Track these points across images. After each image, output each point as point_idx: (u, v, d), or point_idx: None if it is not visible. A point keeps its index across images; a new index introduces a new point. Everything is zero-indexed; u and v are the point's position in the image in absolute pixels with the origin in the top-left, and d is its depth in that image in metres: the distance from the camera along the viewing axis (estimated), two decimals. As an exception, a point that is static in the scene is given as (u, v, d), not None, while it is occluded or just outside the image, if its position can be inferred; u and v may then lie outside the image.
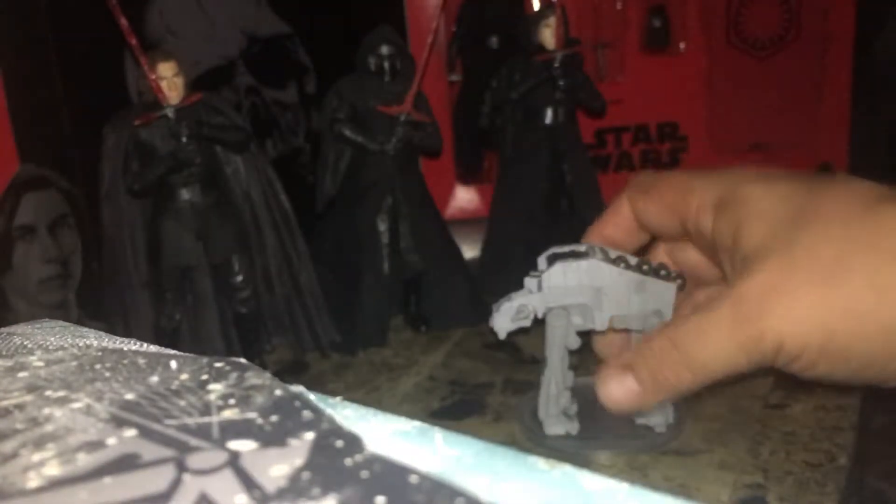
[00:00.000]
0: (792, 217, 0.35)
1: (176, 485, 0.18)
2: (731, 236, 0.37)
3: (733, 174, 0.39)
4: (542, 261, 0.43)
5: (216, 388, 0.23)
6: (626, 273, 0.41)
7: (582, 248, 0.43)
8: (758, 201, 0.36)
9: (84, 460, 0.19)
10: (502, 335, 0.42)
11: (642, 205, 0.43)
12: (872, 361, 0.32)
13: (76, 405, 0.22)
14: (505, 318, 0.42)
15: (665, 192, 0.41)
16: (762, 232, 0.35)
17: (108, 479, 0.18)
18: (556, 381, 0.42)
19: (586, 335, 0.43)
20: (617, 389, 0.37)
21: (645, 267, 0.42)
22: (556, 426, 0.42)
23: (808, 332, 0.32)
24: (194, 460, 0.19)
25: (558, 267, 0.41)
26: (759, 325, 0.33)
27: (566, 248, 0.43)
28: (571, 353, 0.43)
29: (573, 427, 0.42)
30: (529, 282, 0.43)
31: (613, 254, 0.42)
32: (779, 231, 0.35)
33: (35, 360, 0.26)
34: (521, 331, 0.46)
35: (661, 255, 0.45)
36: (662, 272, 0.42)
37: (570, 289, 0.42)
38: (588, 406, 0.42)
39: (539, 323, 0.43)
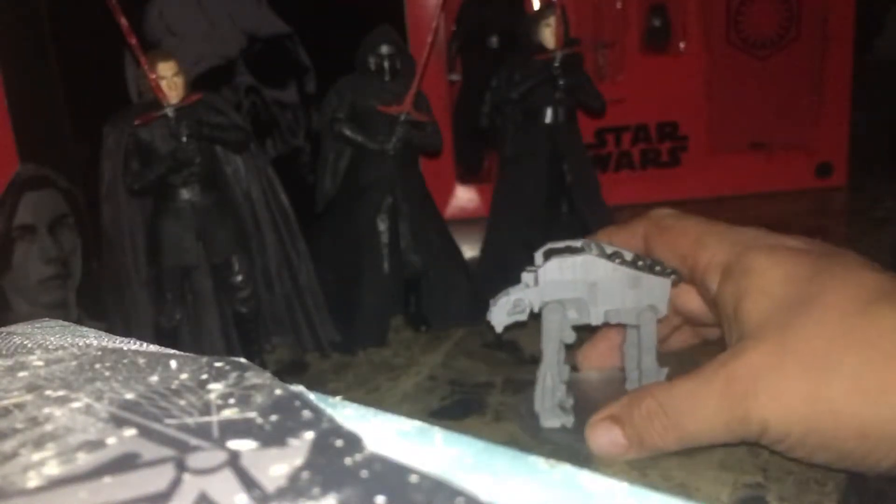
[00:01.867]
0: (792, 300, 0.36)
1: (176, 484, 0.18)
2: (733, 306, 0.38)
3: (746, 237, 0.40)
4: (538, 256, 0.44)
5: (216, 387, 0.23)
6: (621, 269, 0.42)
7: (578, 243, 0.43)
8: (762, 275, 0.37)
9: (84, 460, 0.19)
10: (499, 329, 0.43)
11: (654, 243, 0.44)
12: (848, 456, 0.33)
13: (76, 405, 0.22)
14: (501, 312, 0.43)
15: (679, 240, 0.43)
16: (762, 309, 0.36)
17: (107, 479, 0.18)
18: (551, 374, 0.43)
19: (582, 329, 0.44)
20: (604, 438, 0.39)
21: (640, 263, 0.43)
22: (551, 419, 0.43)
23: (790, 422, 0.34)
24: (194, 460, 0.19)
25: (554, 262, 0.42)
26: (746, 406, 0.35)
27: (562, 244, 0.44)
28: (567, 347, 0.43)
29: (569, 420, 0.43)
30: (526, 276, 0.43)
31: (609, 249, 0.43)
32: (778, 313, 0.36)
33: (35, 360, 0.26)
34: (521, 329, 0.47)
35: None
36: (657, 268, 0.43)
37: (565, 283, 0.42)
38: (583, 400, 0.44)
39: (537, 320, 0.43)
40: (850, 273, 0.36)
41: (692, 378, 0.37)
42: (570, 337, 0.43)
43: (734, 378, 0.35)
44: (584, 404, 0.43)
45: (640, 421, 0.38)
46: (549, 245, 0.44)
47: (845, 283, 0.35)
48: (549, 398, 0.43)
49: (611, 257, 0.42)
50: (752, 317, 0.37)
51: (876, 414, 0.32)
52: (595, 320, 0.43)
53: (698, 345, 0.49)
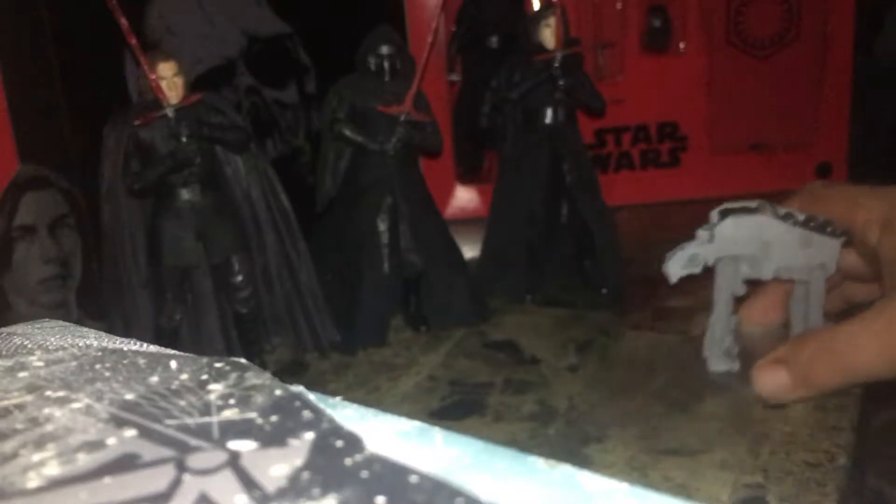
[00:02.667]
0: None
1: (176, 485, 0.18)
2: (893, 255, 0.41)
3: None
4: (714, 214, 0.48)
5: (216, 388, 0.23)
6: (794, 229, 0.46)
7: (753, 204, 0.48)
8: None
9: (84, 460, 0.19)
10: (673, 280, 0.48)
11: (811, 211, 0.47)
12: None
13: (76, 405, 0.22)
14: (677, 265, 0.47)
15: (833, 203, 0.46)
16: None
17: (108, 479, 0.18)
18: (720, 325, 0.47)
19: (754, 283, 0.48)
20: (770, 379, 0.42)
21: (812, 223, 0.47)
22: (719, 364, 0.47)
23: None
24: (194, 460, 0.19)
25: (730, 220, 0.47)
26: None
27: (737, 204, 0.48)
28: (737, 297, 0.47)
29: (735, 365, 0.47)
30: (701, 233, 0.47)
31: (781, 211, 0.47)
32: None
33: (35, 360, 0.26)
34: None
35: None
36: (829, 229, 0.47)
37: (740, 240, 0.47)
38: (747, 351, 0.48)
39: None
40: None
41: (855, 322, 0.39)
42: (741, 290, 0.47)
43: (893, 320, 0.38)
44: (748, 355, 0.47)
45: (807, 361, 0.40)
46: (725, 205, 0.48)
47: None
48: (718, 346, 0.47)
49: (784, 218, 0.46)
50: None
51: None
52: (766, 276, 0.47)
53: (847, 309, 0.50)
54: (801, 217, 0.46)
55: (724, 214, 0.47)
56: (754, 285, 0.50)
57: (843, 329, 0.40)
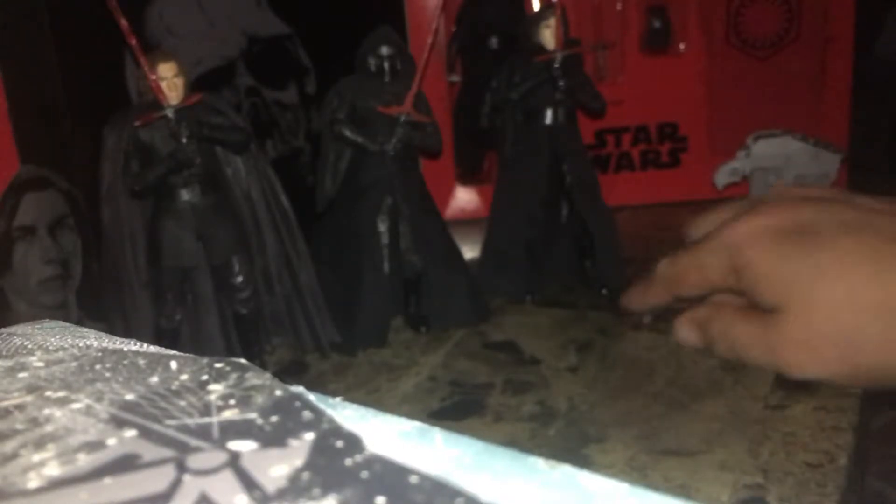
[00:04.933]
0: (800, 277, 0.42)
1: (176, 485, 0.18)
2: (751, 295, 0.46)
3: (740, 237, 0.46)
4: (749, 139, 0.71)
5: (216, 388, 0.23)
6: (808, 146, 0.66)
7: (777, 131, 0.71)
8: (761, 268, 0.44)
9: (84, 461, 0.19)
10: (720, 187, 0.73)
11: (680, 294, 0.51)
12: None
13: (76, 406, 0.22)
14: (723, 177, 0.73)
15: (683, 287, 0.51)
16: (779, 293, 0.43)
17: (108, 480, 0.18)
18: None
19: None
20: (688, 336, 0.50)
21: (820, 143, 0.69)
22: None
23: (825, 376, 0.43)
24: (194, 461, 0.19)
25: (762, 141, 0.69)
26: (787, 368, 0.44)
27: (766, 132, 0.72)
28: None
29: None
30: (740, 153, 0.73)
31: (798, 135, 0.68)
32: (795, 294, 0.43)
33: (35, 361, 0.26)
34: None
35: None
36: (831, 147, 0.70)
37: (769, 155, 0.70)
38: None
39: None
40: (838, 244, 0.42)
41: (752, 322, 0.45)
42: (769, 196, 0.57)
43: (776, 347, 0.43)
44: None
45: (713, 336, 0.48)
46: (757, 133, 0.72)
47: (834, 253, 0.42)
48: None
49: (801, 139, 0.67)
50: (775, 299, 0.44)
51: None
52: (787, 182, 0.65)
53: None
54: (811, 139, 0.67)
55: (757, 138, 0.69)
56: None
57: (743, 327, 0.46)
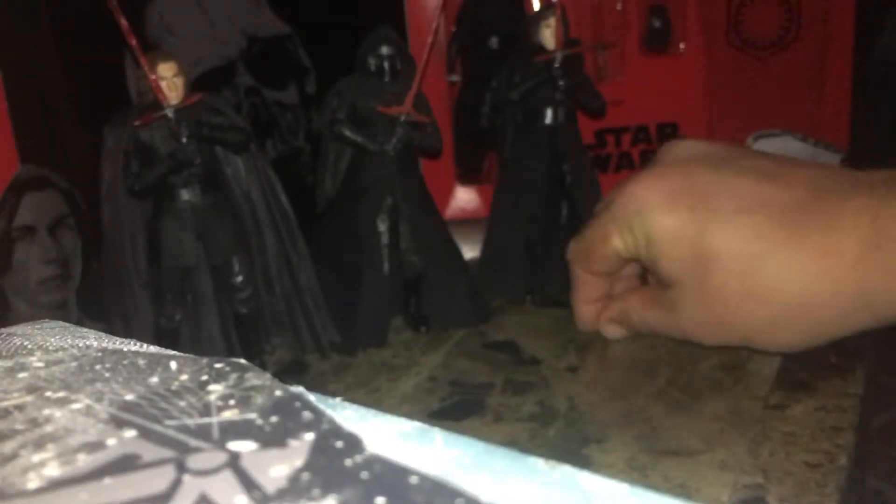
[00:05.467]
0: (694, 255, 0.45)
1: (176, 485, 0.18)
2: (651, 269, 0.50)
3: (637, 205, 0.48)
4: (750, 139, 0.71)
5: (216, 388, 0.23)
6: (808, 146, 0.68)
7: (777, 131, 0.72)
8: (656, 236, 0.47)
9: (84, 461, 0.19)
10: None
11: (593, 269, 0.54)
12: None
13: (76, 406, 0.22)
14: None
15: (594, 262, 0.53)
16: (676, 270, 0.47)
17: (108, 480, 0.18)
18: None
19: None
20: (614, 332, 0.54)
21: (820, 143, 0.69)
22: None
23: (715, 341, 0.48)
24: (194, 461, 0.19)
25: (762, 141, 0.67)
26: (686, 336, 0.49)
27: (766, 132, 0.71)
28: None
29: None
30: None
31: (798, 135, 0.68)
32: (689, 272, 0.46)
33: (35, 361, 0.26)
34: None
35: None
36: (831, 147, 0.70)
37: None
38: None
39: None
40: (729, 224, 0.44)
41: (656, 309, 0.50)
42: None
43: (682, 328, 0.48)
44: None
45: (634, 324, 0.52)
46: (757, 132, 0.72)
47: (727, 237, 0.44)
48: None
49: (803, 140, 0.66)
50: (672, 277, 0.47)
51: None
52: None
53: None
54: (811, 140, 0.68)
55: (757, 138, 0.69)
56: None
57: (651, 315, 0.50)
